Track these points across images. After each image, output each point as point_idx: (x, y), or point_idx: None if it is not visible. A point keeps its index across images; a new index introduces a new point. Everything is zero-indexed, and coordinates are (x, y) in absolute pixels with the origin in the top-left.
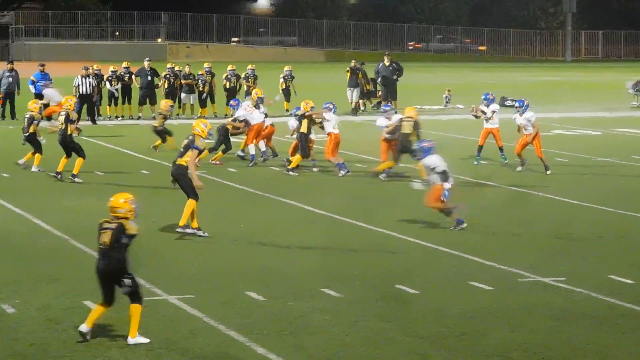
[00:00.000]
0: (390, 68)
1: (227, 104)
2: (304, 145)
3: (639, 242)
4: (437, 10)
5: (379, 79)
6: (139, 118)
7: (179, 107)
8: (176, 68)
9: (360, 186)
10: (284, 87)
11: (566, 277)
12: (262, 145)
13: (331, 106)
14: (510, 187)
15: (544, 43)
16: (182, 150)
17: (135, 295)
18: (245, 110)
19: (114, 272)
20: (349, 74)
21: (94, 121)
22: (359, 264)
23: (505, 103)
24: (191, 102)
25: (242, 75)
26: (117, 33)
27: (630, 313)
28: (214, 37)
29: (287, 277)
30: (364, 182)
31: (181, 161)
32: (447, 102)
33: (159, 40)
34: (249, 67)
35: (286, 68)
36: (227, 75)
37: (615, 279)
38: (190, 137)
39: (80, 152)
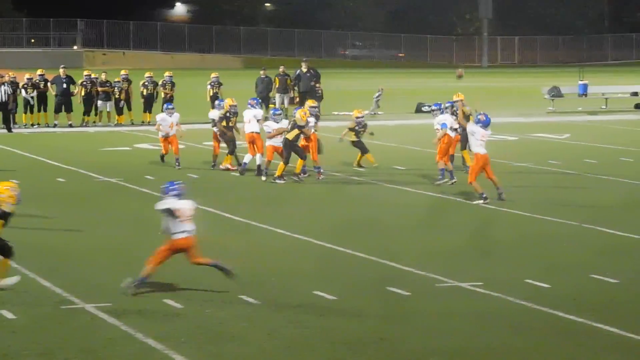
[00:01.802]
0: (308, 74)
1: (144, 111)
2: (289, 152)
3: (555, 247)
4: (354, 16)
5: (297, 85)
6: (54, 126)
7: (96, 115)
8: (93, 75)
9: (279, 191)
10: (211, 94)
11: (483, 282)
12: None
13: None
14: (428, 193)
15: (460, 49)
16: None
17: None
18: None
19: None
20: (277, 80)
21: (9, 129)
22: (276, 270)
23: (423, 109)
24: (108, 110)
25: (160, 83)
26: (32, 40)
27: (547, 317)
28: (130, 44)
29: (204, 284)
30: (285, 187)
31: None
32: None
33: (75, 47)
34: (166, 74)
35: (213, 75)
36: (144, 83)
37: (532, 283)
38: None
39: None
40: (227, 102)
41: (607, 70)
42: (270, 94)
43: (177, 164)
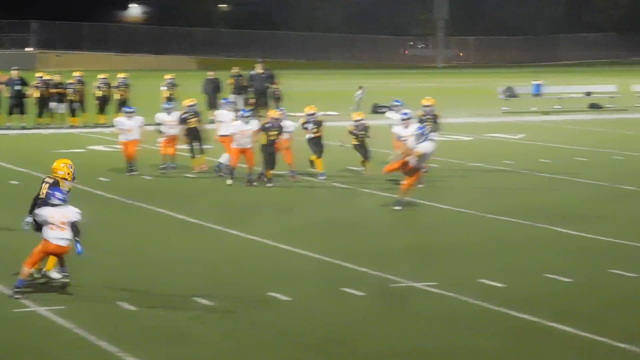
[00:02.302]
0: (264, 75)
1: (98, 113)
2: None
3: (508, 246)
4: (312, 18)
5: (252, 86)
6: (7, 128)
7: (49, 117)
8: (46, 77)
9: (233, 193)
10: (167, 95)
11: (438, 282)
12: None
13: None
14: (382, 193)
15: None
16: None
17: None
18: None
19: None
20: (232, 81)
21: None
22: (231, 272)
23: (378, 110)
24: (61, 111)
25: (114, 84)
26: None
27: (501, 316)
28: (85, 45)
29: (158, 286)
30: (239, 190)
31: None
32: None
33: (29, 48)
34: (121, 75)
35: (168, 76)
36: (98, 84)
37: (487, 283)
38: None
39: None
40: (186, 102)
41: (561, 70)
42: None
43: (128, 170)
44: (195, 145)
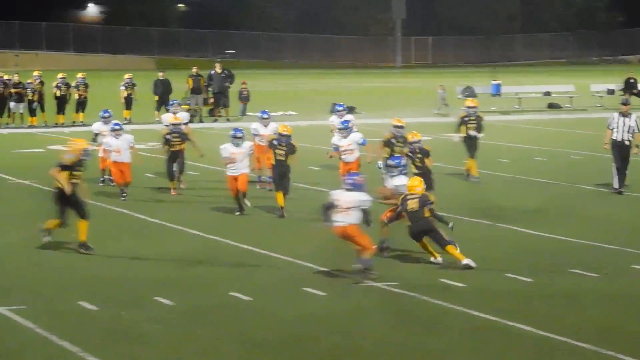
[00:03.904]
0: (223, 75)
1: (58, 113)
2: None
3: (469, 247)
4: (265, 17)
5: (212, 86)
6: None
7: (8, 116)
8: (5, 77)
9: (191, 194)
10: (125, 95)
11: (399, 282)
12: None
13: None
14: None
15: (374, 49)
16: None
17: None
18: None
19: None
20: (191, 81)
21: None
22: (192, 272)
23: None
24: (21, 111)
25: (73, 84)
26: None
27: (462, 316)
28: (43, 44)
29: (119, 286)
30: (196, 191)
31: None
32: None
33: None
34: (79, 75)
35: (126, 76)
36: (57, 84)
37: (447, 282)
38: None
39: None
40: (170, 119)
41: (519, 70)
42: (185, 96)
43: (121, 194)
44: (175, 168)
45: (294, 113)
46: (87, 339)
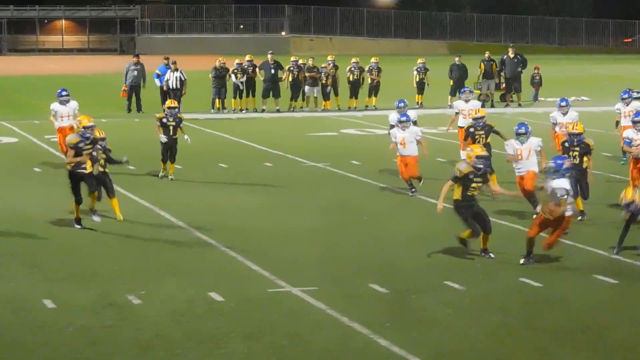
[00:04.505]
0: (515, 60)
1: (351, 97)
2: None
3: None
4: (559, 1)
5: (504, 72)
6: (262, 111)
7: (303, 100)
8: (300, 61)
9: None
10: (417, 79)
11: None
12: None
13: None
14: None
15: None
16: None
17: None
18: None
19: None
20: (483, 66)
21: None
22: (481, 258)
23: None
24: (315, 95)
25: (366, 68)
26: (241, 26)
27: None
28: (337, 30)
29: (410, 270)
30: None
31: None
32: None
33: (283, 33)
34: (373, 59)
35: (419, 60)
36: (350, 68)
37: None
38: None
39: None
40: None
41: None
42: (477, 81)
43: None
44: None
45: (587, 99)
46: (377, 321)
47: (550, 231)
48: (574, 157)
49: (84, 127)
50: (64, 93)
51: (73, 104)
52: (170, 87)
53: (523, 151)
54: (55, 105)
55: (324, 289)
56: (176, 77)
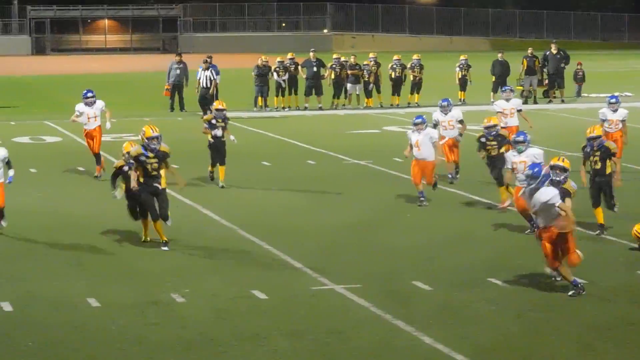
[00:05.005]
0: (558, 56)
1: (393, 94)
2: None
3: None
4: None
5: (547, 67)
6: (305, 109)
7: (345, 98)
8: (342, 58)
9: None
10: (459, 76)
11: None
12: None
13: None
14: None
15: None
16: None
17: None
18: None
19: None
20: (525, 62)
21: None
22: (523, 255)
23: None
24: (357, 92)
25: (408, 65)
26: (283, 24)
27: None
28: (379, 27)
29: (452, 267)
30: None
31: None
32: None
33: (325, 30)
34: (415, 56)
35: (462, 57)
36: (392, 65)
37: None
38: None
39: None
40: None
41: None
42: (519, 77)
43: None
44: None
45: (630, 94)
46: (421, 318)
47: (564, 249)
48: (595, 162)
49: (148, 138)
50: (89, 94)
51: (99, 104)
52: (202, 86)
53: (518, 165)
54: (80, 107)
55: (368, 287)
56: (206, 76)
